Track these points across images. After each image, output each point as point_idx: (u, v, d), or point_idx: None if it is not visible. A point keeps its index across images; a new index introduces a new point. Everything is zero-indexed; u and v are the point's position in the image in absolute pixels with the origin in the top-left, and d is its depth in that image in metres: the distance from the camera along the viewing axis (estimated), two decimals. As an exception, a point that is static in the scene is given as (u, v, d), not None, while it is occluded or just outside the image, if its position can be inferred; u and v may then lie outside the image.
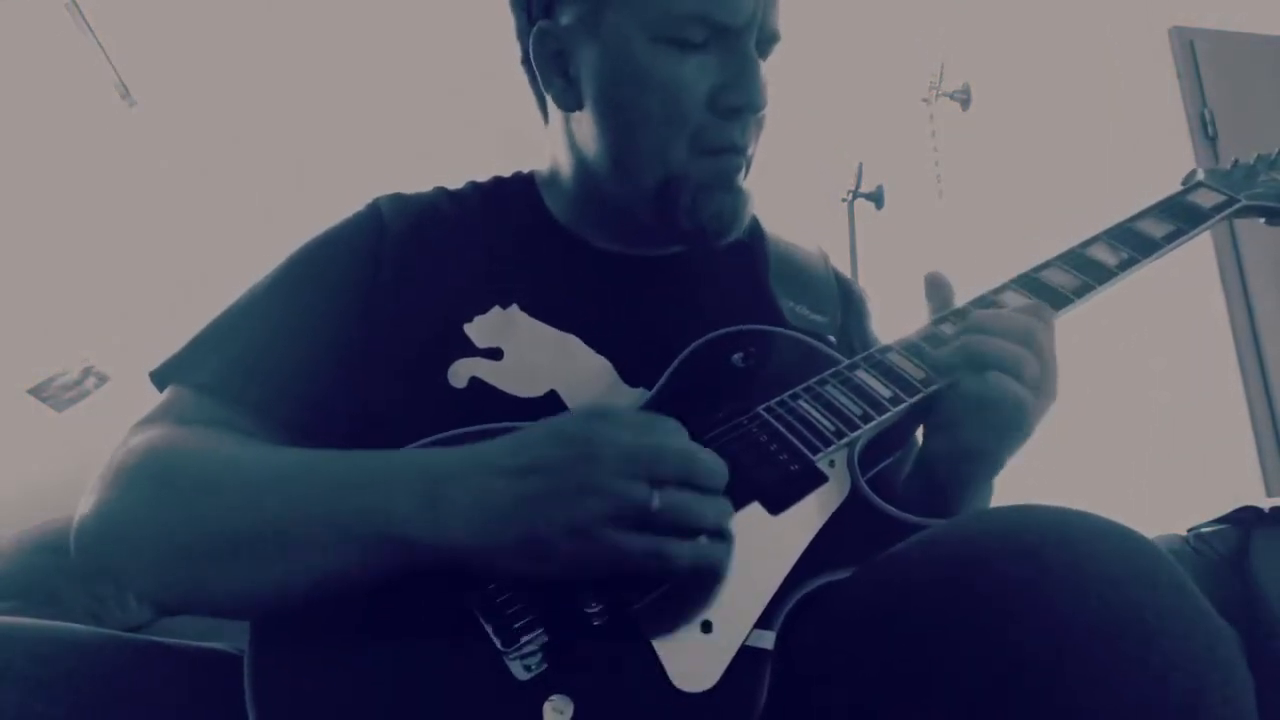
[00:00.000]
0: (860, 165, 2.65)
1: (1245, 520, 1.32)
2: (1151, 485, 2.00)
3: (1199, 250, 2.01)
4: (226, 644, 0.63)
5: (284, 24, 2.58)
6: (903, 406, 0.66)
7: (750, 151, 0.75)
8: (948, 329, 0.71)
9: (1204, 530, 1.34)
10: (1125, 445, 2.11)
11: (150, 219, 2.89)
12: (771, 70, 0.76)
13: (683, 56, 0.71)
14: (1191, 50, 2.17)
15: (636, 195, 0.76)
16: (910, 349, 0.70)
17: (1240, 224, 2.02)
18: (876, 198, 2.62)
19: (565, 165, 0.82)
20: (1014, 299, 0.74)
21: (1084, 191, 2.10)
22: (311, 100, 2.78)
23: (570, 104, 0.77)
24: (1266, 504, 1.31)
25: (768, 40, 0.74)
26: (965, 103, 2.74)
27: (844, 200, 2.60)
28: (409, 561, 0.53)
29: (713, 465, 0.54)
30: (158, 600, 0.60)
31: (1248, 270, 2.02)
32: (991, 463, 0.67)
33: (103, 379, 3.04)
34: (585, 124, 0.76)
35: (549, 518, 0.51)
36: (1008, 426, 0.64)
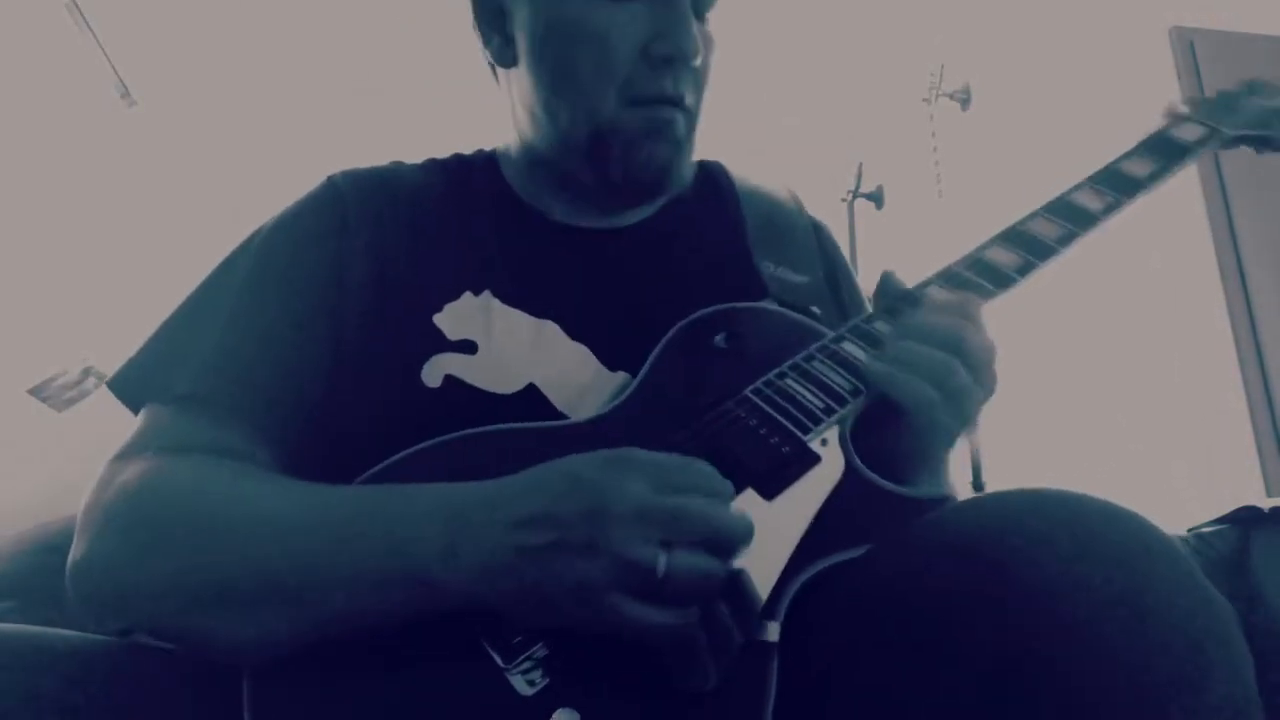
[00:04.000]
0: (860, 165, 2.65)
1: (1245, 520, 1.31)
2: (1151, 485, 2.00)
3: (1199, 250, 2.01)
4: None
5: (284, 24, 2.58)
6: None
7: (688, 103, 0.74)
8: (935, 291, 0.71)
9: (1204, 530, 1.34)
10: (1125, 445, 2.11)
11: (150, 219, 2.89)
12: (720, 27, 0.76)
13: (613, 5, 0.71)
14: (1191, 50, 2.17)
15: (569, 149, 0.76)
16: (896, 315, 0.69)
17: (1240, 224, 2.02)
18: (876, 198, 2.62)
19: (513, 131, 0.82)
20: (998, 253, 0.72)
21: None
22: (312, 100, 2.77)
23: (507, 60, 0.78)
24: (1266, 504, 1.31)
25: None
26: (965, 103, 2.74)
27: (844, 200, 2.60)
28: (430, 604, 0.51)
29: (735, 527, 0.50)
30: (165, 641, 0.59)
31: (1248, 270, 2.02)
32: (922, 458, 0.66)
33: (103, 379, 3.04)
34: (521, 80, 0.77)
35: (555, 575, 0.48)
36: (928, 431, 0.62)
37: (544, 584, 0.49)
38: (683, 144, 0.75)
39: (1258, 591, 1.23)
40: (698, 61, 0.72)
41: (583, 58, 0.72)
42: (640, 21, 0.71)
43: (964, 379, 0.60)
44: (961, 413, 0.61)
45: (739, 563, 0.51)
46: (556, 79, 0.74)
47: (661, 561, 0.47)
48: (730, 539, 0.49)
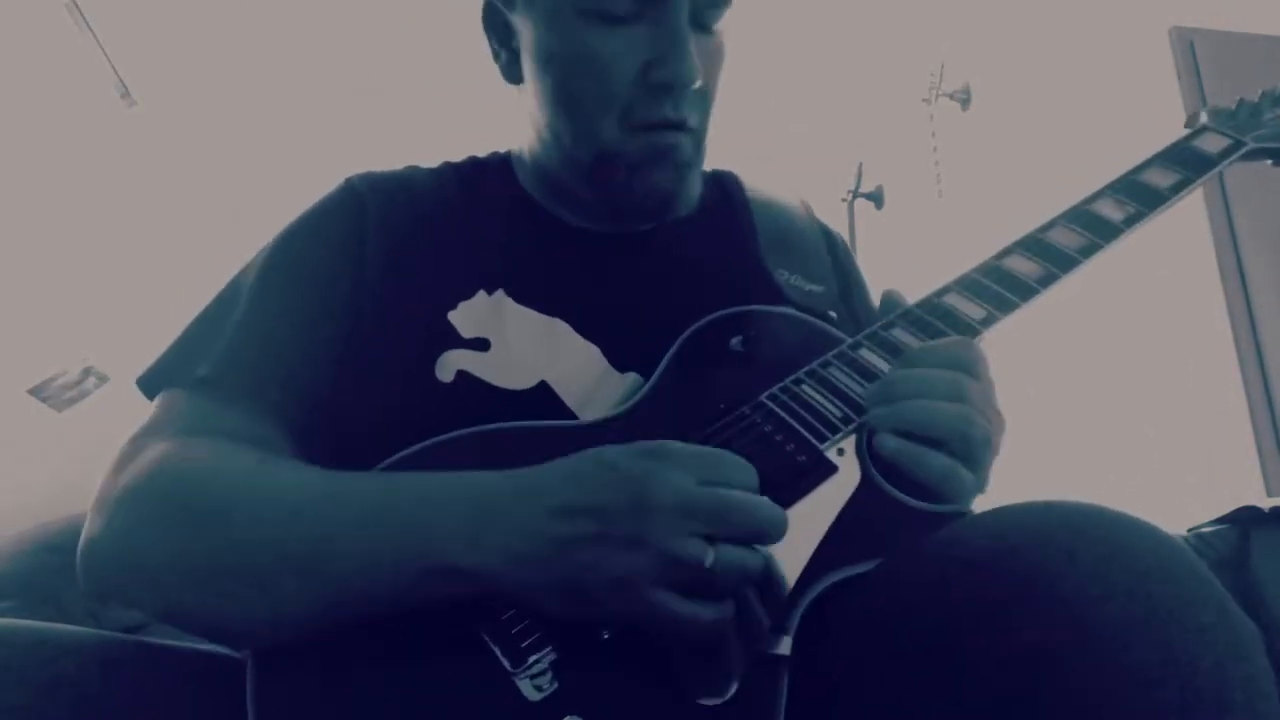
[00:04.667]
0: (860, 165, 2.65)
1: (1245, 520, 1.31)
2: (1151, 485, 2.00)
3: (1199, 251, 2.01)
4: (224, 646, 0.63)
5: (284, 24, 2.58)
6: None
7: (693, 125, 0.72)
8: (951, 299, 0.69)
9: (1204, 530, 1.34)
10: (1126, 445, 2.11)
11: (150, 219, 2.89)
12: (733, 35, 0.74)
13: (610, 30, 0.69)
14: (1191, 50, 2.16)
15: (573, 170, 0.75)
16: (915, 322, 0.68)
17: (1240, 224, 2.02)
18: (876, 198, 2.63)
19: (524, 140, 0.82)
20: (1019, 262, 0.70)
21: (1084, 191, 2.09)
22: (312, 100, 2.77)
23: (515, 76, 0.77)
24: (1266, 504, 1.31)
25: (706, 6, 0.71)
26: (965, 103, 2.74)
27: (844, 200, 2.60)
28: (448, 590, 0.51)
29: (777, 520, 0.50)
30: (175, 624, 0.59)
31: (1248, 270, 2.02)
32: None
33: (103, 379, 3.04)
34: (528, 98, 0.76)
35: (594, 567, 0.48)
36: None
37: (582, 576, 0.49)
38: (689, 167, 0.74)
39: (1258, 592, 1.23)
40: (698, 85, 0.70)
41: (582, 82, 0.71)
42: (638, 46, 0.69)
43: (980, 428, 0.58)
44: (982, 462, 0.60)
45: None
46: (558, 102, 0.73)
47: (710, 556, 0.47)
48: (772, 533, 0.50)
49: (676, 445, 0.52)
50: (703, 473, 0.50)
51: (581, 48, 0.70)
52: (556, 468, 0.53)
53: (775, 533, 0.50)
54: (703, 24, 0.71)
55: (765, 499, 0.51)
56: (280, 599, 0.53)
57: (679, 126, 0.71)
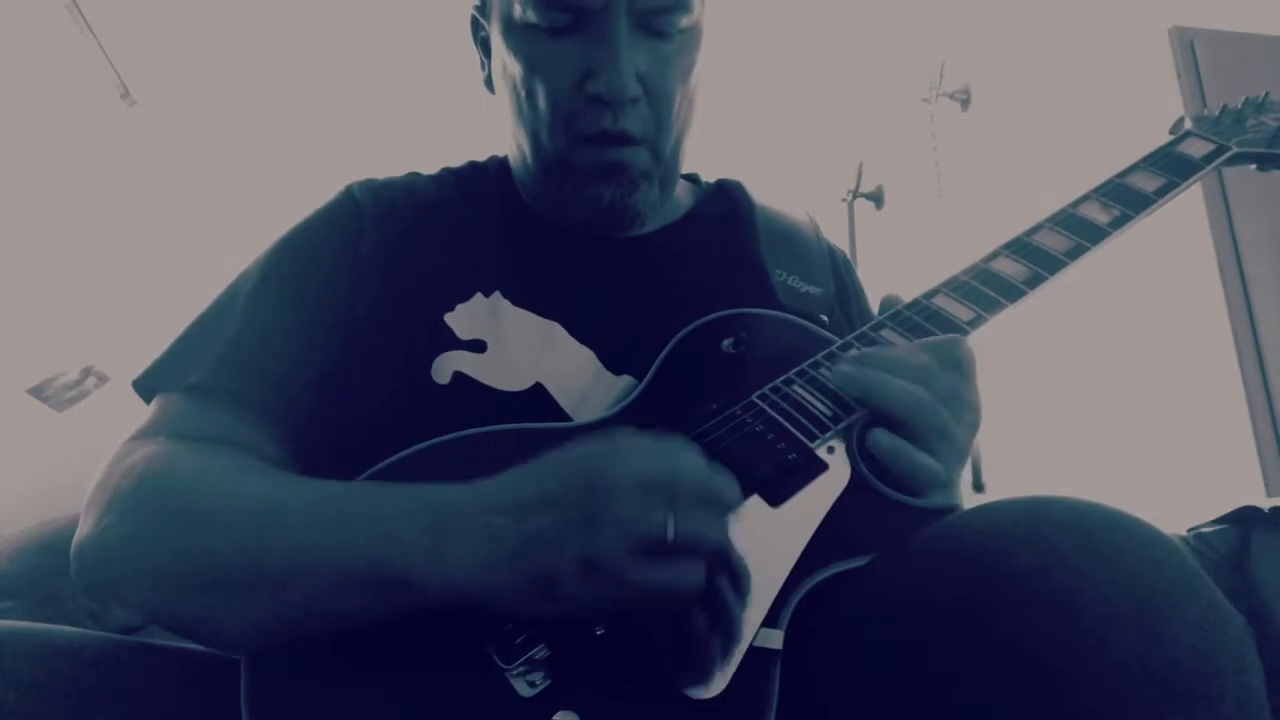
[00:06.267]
0: (860, 165, 2.65)
1: (1245, 520, 1.31)
2: (1151, 485, 2.00)
3: (1199, 250, 2.01)
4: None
5: (284, 24, 2.58)
6: None
7: (639, 135, 0.72)
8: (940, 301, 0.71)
9: (1204, 530, 1.34)
10: (1125, 445, 2.11)
11: (150, 219, 2.89)
12: (710, 36, 0.73)
13: (552, 41, 0.70)
14: (1191, 50, 2.16)
15: (535, 180, 0.78)
16: (904, 324, 0.69)
17: (1240, 224, 2.02)
18: (876, 198, 2.63)
19: (507, 147, 0.84)
20: (1006, 264, 0.72)
21: (1084, 191, 2.08)
22: (312, 100, 2.77)
23: (492, 87, 0.79)
24: (1266, 504, 1.31)
25: (653, 12, 0.69)
26: (965, 103, 2.74)
27: (844, 200, 2.60)
28: (415, 604, 0.51)
29: (728, 486, 0.51)
30: (159, 625, 0.59)
31: (1248, 270, 2.02)
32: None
33: (103, 379, 3.04)
34: (501, 107, 0.78)
35: (560, 553, 0.48)
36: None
37: (551, 566, 0.48)
38: (645, 178, 0.74)
39: (1257, 592, 1.23)
40: (634, 96, 0.70)
41: (529, 92, 0.72)
42: (575, 57, 0.69)
43: (936, 417, 0.60)
44: (937, 452, 0.60)
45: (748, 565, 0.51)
46: (514, 112, 0.75)
47: (671, 524, 0.47)
48: (724, 497, 0.50)
49: (624, 432, 0.52)
50: (651, 451, 0.51)
51: (526, 57, 0.71)
52: (513, 472, 0.53)
53: (729, 497, 0.50)
54: (656, 30, 0.70)
55: (714, 466, 0.51)
56: (254, 610, 0.53)
57: (622, 138, 0.71)
